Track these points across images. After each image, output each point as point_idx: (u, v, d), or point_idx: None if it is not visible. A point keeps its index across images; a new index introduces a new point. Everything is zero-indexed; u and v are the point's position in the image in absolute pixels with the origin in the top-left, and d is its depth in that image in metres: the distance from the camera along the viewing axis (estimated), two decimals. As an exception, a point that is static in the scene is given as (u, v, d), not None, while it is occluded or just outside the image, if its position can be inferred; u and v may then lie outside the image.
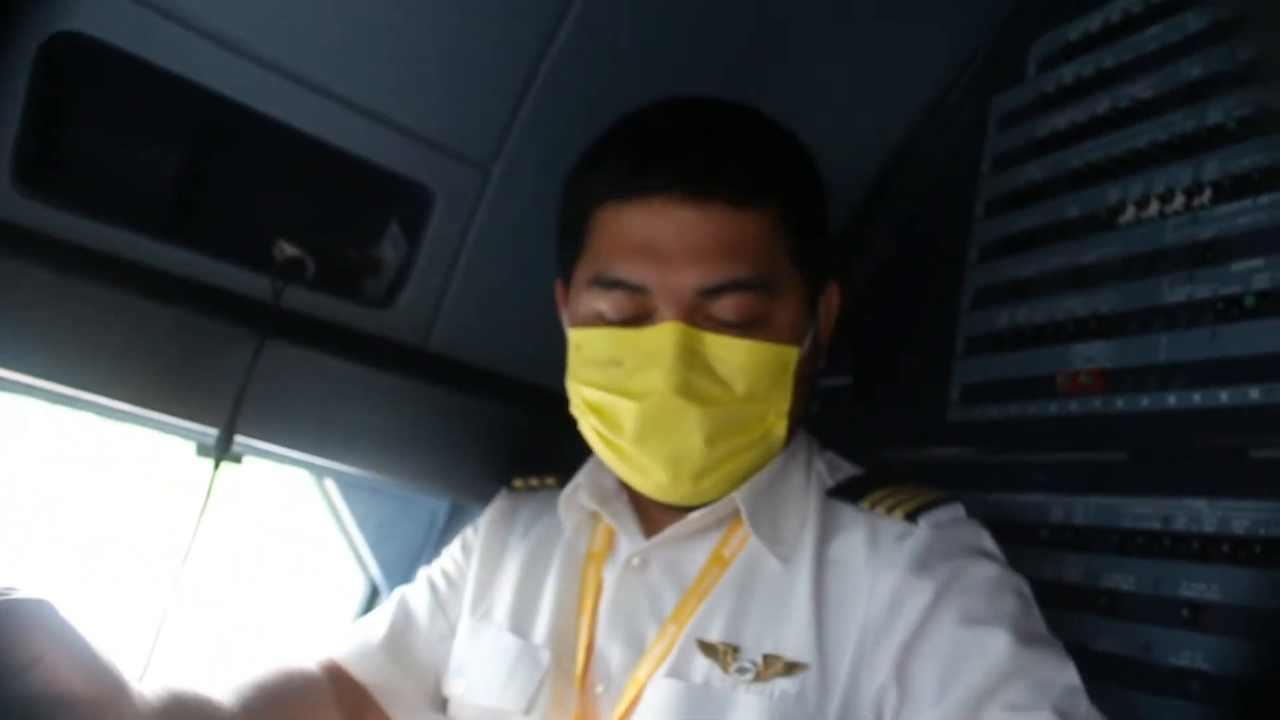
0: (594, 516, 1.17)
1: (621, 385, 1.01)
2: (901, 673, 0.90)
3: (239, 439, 1.22)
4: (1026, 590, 0.95)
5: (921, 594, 0.92)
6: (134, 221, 1.19)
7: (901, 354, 1.42)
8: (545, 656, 1.08)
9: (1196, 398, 1.05)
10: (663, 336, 0.98)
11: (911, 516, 0.99)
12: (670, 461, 1.00)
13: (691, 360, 0.98)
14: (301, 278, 1.26)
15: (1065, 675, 0.85)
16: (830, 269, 1.13)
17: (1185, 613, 1.00)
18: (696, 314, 0.99)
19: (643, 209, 1.01)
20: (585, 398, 1.05)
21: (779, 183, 1.05)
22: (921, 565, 0.95)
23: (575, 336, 1.06)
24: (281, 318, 1.22)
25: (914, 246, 1.51)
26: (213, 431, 1.20)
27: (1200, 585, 1.01)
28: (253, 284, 1.23)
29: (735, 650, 0.98)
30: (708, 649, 0.99)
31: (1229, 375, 1.03)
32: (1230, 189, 1.07)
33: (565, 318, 1.13)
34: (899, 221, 1.52)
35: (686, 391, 0.97)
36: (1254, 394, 1.00)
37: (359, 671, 1.19)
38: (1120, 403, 1.13)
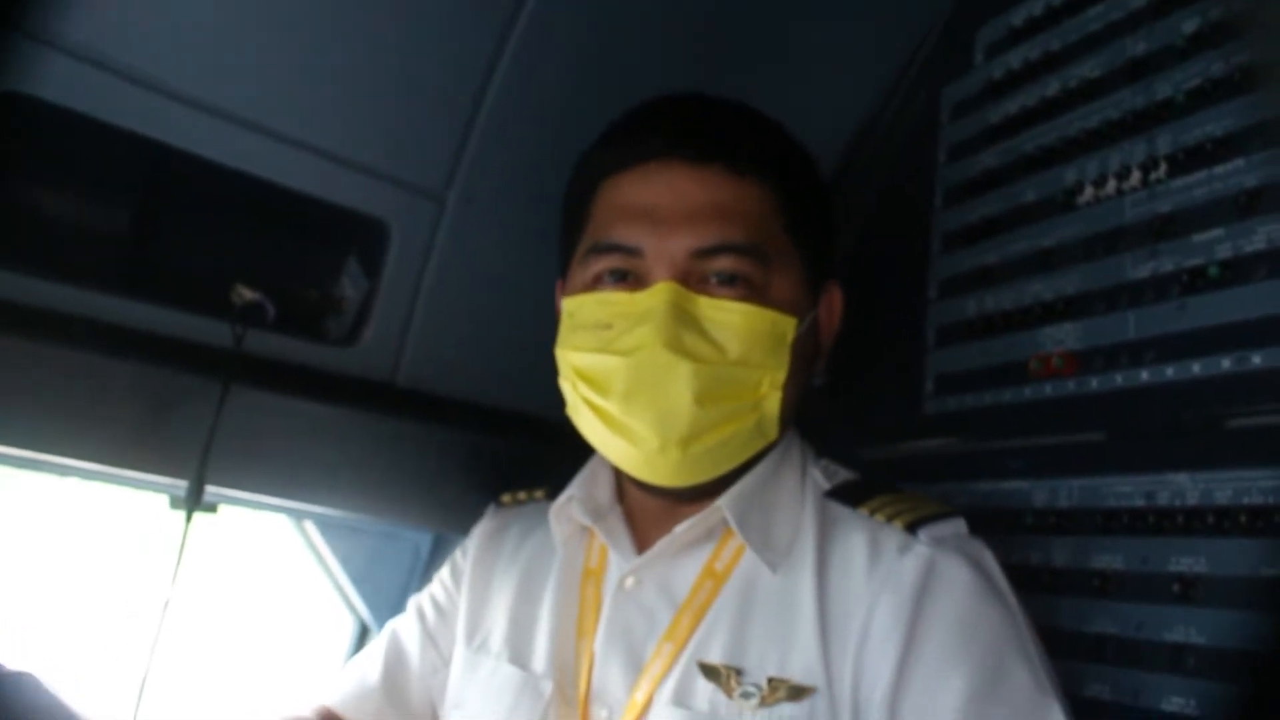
0: (587, 530, 1.14)
1: (612, 345, 0.99)
2: (892, 714, 0.88)
3: (211, 488, 1.20)
4: (1027, 632, 0.92)
5: (919, 639, 0.90)
6: (88, 278, 1.18)
7: (874, 349, 1.42)
8: (547, 687, 1.06)
9: (1169, 372, 1.05)
10: (654, 297, 0.97)
11: (912, 528, 0.97)
12: (658, 422, 0.97)
13: (683, 318, 0.97)
14: (262, 321, 1.24)
15: None
16: (833, 267, 1.13)
17: (1176, 588, 1.00)
18: (690, 277, 0.99)
19: (640, 175, 1.02)
20: (574, 364, 1.03)
21: (776, 158, 1.06)
22: (920, 600, 0.92)
23: (568, 305, 1.05)
24: (244, 363, 1.20)
25: (878, 240, 1.51)
26: (183, 483, 1.18)
27: (1188, 559, 1.00)
28: (213, 331, 1.21)
29: (738, 673, 0.95)
30: (710, 672, 0.97)
31: (1200, 347, 1.03)
32: (1185, 162, 1.07)
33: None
34: (860, 217, 1.52)
35: (676, 346, 0.95)
36: (1225, 363, 1.00)
37: (356, 717, 1.17)
38: (1094, 383, 1.13)
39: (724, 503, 1.02)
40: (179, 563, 1.14)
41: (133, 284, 1.21)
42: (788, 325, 1.00)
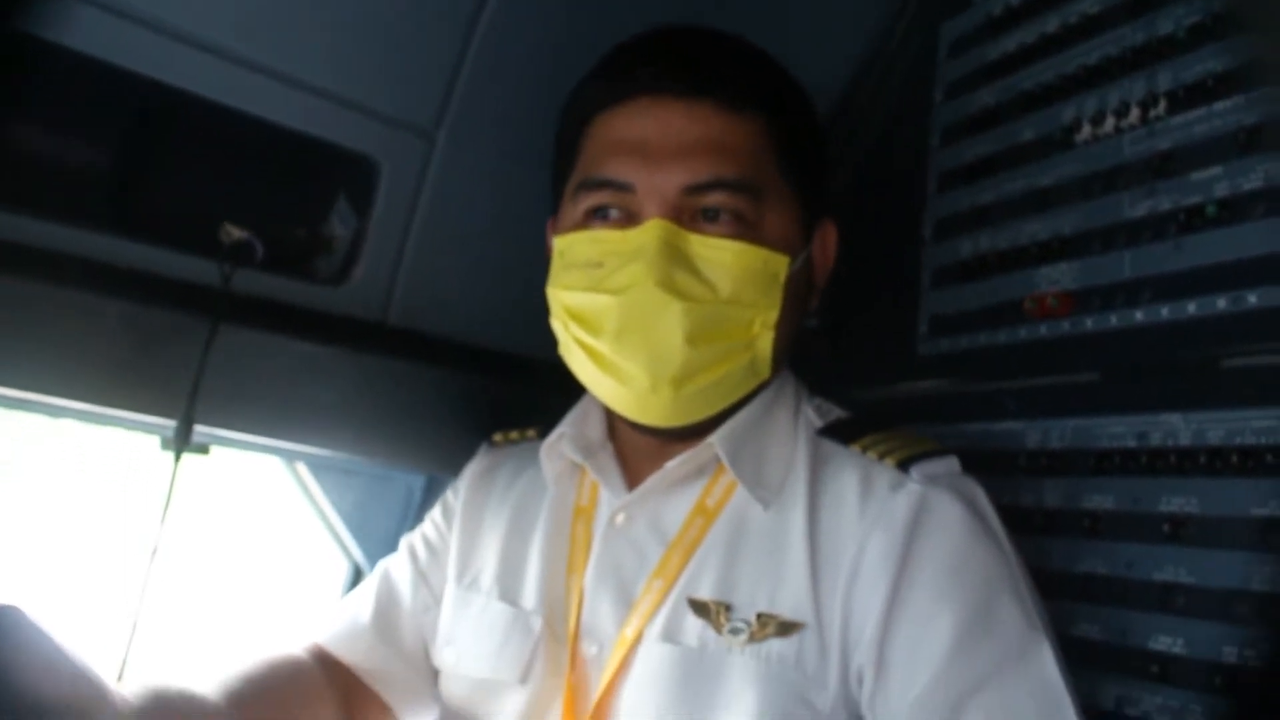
0: (579, 468, 1.14)
1: (602, 284, 0.98)
2: (880, 655, 0.89)
3: (201, 429, 1.20)
4: (1018, 570, 0.93)
5: (909, 575, 0.90)
6: (74, 216, 1.16)
7: (868, 290, 1.41)
8: (537, 623, 1.06)
9: (1164, 311, 1.05)
10: (646, 234, 0.96)
11: (904, 465, 0.97)
12: (650, 361, 0.96)
13: (675, 256, 0.96)
14: (251, 260, 1.23)
15: (1045, 670, 0.86)
16: (827, 204, 1.11)
17: (1166, 528, 1.00)
18: (682, 214, 0.98)
19: (631, 110, 1.01)
20: (565, 303, 1.02)
21: (770, 93, 1.04)
22: (911, 537, 0.92)
23: (559, 243, 1.04)
24: (233, 302, 1.19)
25: (873, 181, 1.49)
26: (173, 424, 1.18)
27: (1179, 499, 1.01)
28: (201, 270, 1.20)
29: (727, 609, 0.96)
30: (699, 608, 0.97)
31: (1195, 286, 1.02)
32: (1185, 99, 1.06)
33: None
34: (856, 157, 1.50)
35: (668, 285, 0.94)
36: (1221, 303, 0.99)
37: (348, 655, 1.17)
38: (1089, 323, 1.12)
39: (716, 439, 1.02)
40: (168, 503, 1.14)
41: (120, 222, 1.20)
42: (780, 264, 0.99)
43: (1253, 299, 0.97)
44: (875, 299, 1.42)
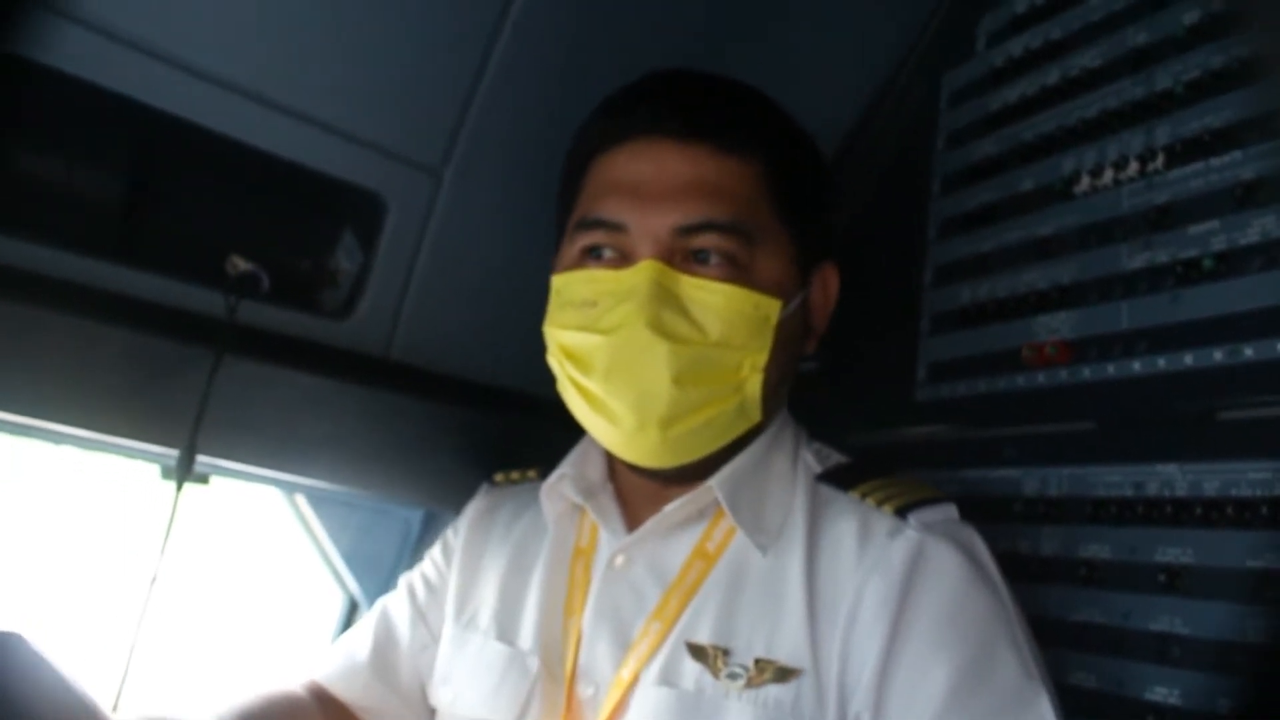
0: (579, 509, 1.14)
1: (595, 324, 0.99)
2: (877, 702, 0.89)
3: (203, 459, 1.20)
4: (1016, 619, 0.92)
5: (907, 623, 0.90)
6: (82, 244, 1.17)
7: (867, 335, 1.42)
8: (534, 663, 1.06)
9: (1161, 363, 1.05)
10: (638, 275, 0.97)
11: (902, 512, 0.97)
12: (637, 402, 0.97)
13: (665, 298, 0.96)
14: (256, 292, 1.24)
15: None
16: (830, 247, 1.12)
17: (1162, 578, 1.01)
18: (674, 255, 0.98)
19: (628, 151, 1.02)
20: (560, 341, 1.03)
21: (767, 136, 1.05)
22: (908, 584, 0.92)
23: (556, 282, 1.05)
24: (238, 333, 1.20)
25: (874, 226, 1.50)
26: (175, 453, 1.18)
27: (1175, 550, 1.01)
28: (207, 301, 1.21)
29: (725, 653, 0.95)
30: (697, 652, 0.97)
31: (1192, 338, 1.03)
32: (1182, 153, 1.07)
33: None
34: (858, 202, 1.51)
35: (656, 326, 0.95)
36: (1218, 355, 1.00)
37: (345, 692, 1.17)
38: (1086, 372, 1.13)
39: (715, 483, 1.02)
40: (168, 533, 1.14)
41: (127, 251, 1.21)
42: (772, 307, 1.00)
43: (1249, 352, 0.97)
44: (875, 344, 1.42)
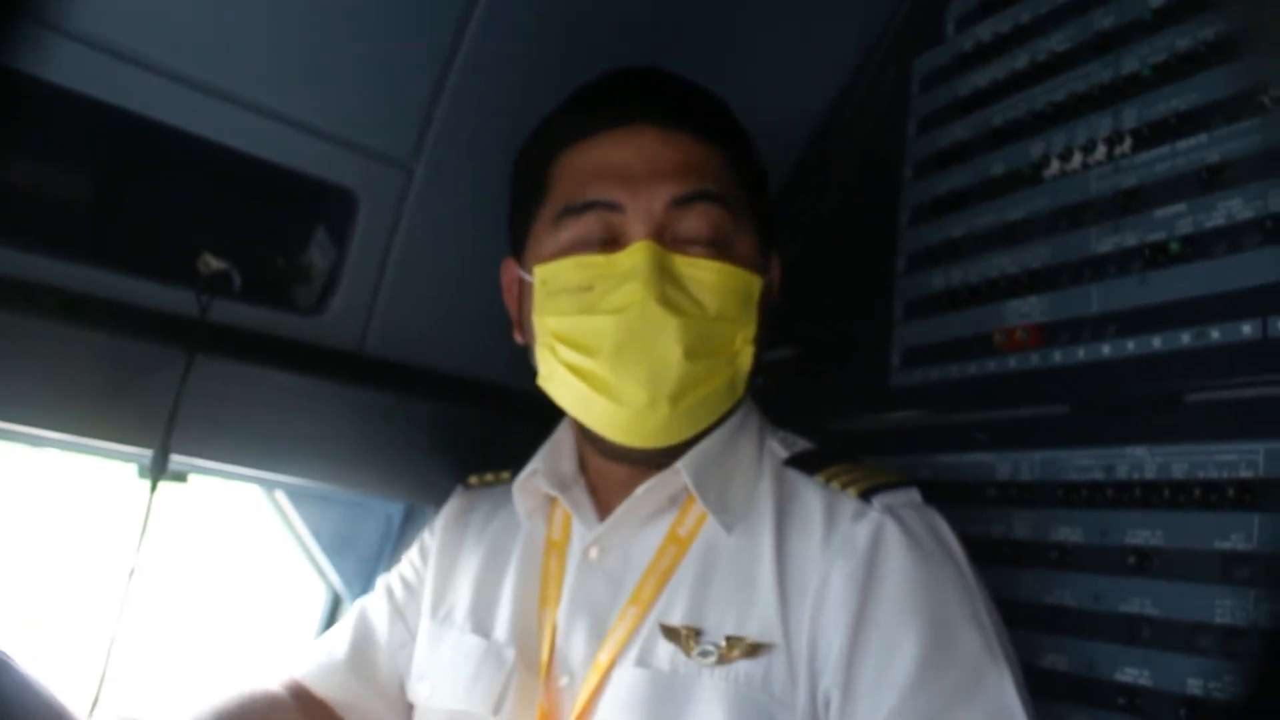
0: (551, 503, 1.16)
1: (595, 306, 1.01)
2: (846, 680, 0.90)
3: (179, 458, 1.20)
4: (979, 597, 0.94)
5: (872, 601, 0.92)
6: (51, 246, 1.17)
7: (841, 323, 1.42)
8: (509, 654, 1.07)
9: (1130, 346, 1.06)
10: (636, 255, 0.99)
11: (866, 495, 0.99)
12: (649, 377, 0.99)
13: (666, 275, 0.99)
14: (228, 290, 1.23)
15: (1005, 698, 0.87)
16: (774, 240, 1.15)
17: (1132, 560, 1.01)
18: (665, 234, 1.01)
19: (610, 139, 1.05)
20: (554, 329, 1.04)
21: (731, 128, 1.11)
22: (871, 564, 0.94)
23: (541, 272, 1.05)
24: (210, 332, 1.20)
25: (846, 214, 1.50)
26: (150, 453, 1.18)
27: (1145, 532, 1.01)
28: (178, 300, 1.21)
29: (698, 633, 0.97)
30: (670, 633, 0.98)
31: (1160, 321, 1.03)
32: (1149, 136, 1.07)
33: (511, 298, 1.15)
34: (830, 190, 1.51)
35: (665, 302, 0.98)
36: (1185, 338, 1.01)
37: (324, 690, 1.18)
38: (1057, 356, 1.13)
39: (683, 465, 1.04)
40: (144, 531, 1.14)
41: (97, 252, 1.21)
42: (755, 283, 1.04)
43: (1215, 334, 0.98)
44: (850, 330, 1.43)
